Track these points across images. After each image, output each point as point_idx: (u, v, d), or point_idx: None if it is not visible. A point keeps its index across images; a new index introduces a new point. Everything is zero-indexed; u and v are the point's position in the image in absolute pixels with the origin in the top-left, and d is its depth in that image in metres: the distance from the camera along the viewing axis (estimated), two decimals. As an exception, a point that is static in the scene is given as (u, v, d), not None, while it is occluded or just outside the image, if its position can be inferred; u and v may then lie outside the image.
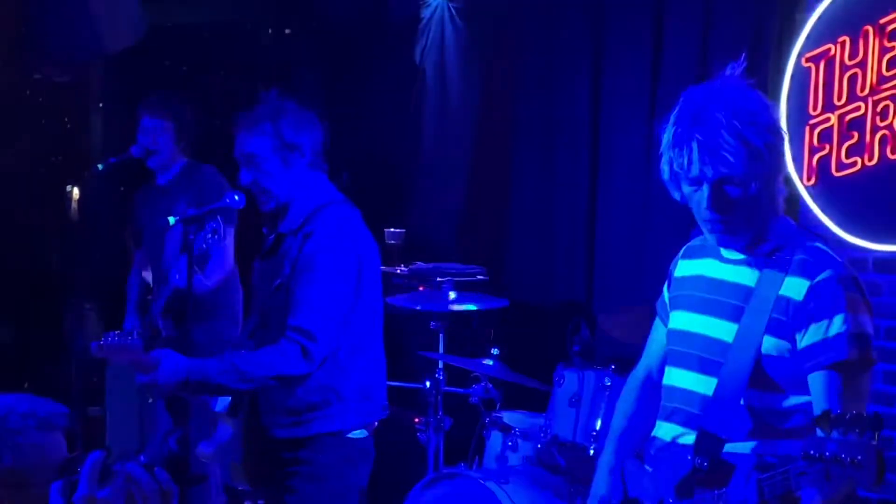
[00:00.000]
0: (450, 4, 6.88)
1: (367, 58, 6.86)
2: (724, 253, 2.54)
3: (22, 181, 5.94)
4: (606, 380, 4.15)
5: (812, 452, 1.99)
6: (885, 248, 4.57)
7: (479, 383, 4.72)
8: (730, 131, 2.32)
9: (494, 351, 4.79)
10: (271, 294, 3.31)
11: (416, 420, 4.74)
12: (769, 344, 2.38)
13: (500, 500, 4.03)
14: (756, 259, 2.47)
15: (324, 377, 3.25)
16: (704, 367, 2.48)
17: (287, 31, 6.85)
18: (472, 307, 4.88)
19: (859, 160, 4.81)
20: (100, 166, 5.05)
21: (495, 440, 4.55)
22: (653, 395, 2.77)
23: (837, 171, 4.84)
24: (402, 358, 5.30)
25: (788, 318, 2.37)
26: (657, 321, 2.80)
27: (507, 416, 4.60)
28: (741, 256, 2.50)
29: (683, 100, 2.45)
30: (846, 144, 4.81)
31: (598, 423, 4.08)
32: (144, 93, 5.15)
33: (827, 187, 4.86)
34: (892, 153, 4.71)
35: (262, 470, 3.42)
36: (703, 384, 2.48)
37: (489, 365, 4.68)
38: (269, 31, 6.76)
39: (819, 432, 2.02)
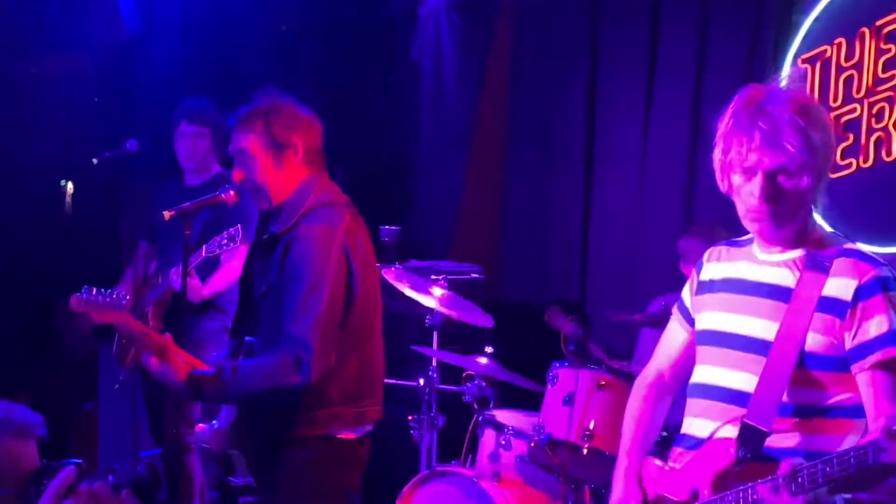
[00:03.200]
0: (447, 2, 6.88)
1: (365, 54, 6.86)
2: (760, 255, 2.59)
3: (16, 175, 5.93)
4: (600, 378, 4.16)
5: (895, 428, 2.05)
6: (880, 251, 4.58)
7: (473, 381, 4.73)
8: (792, 124, 2.41)
9: (488, 349, 4.80)
10: (261, 298, 3.29)
11: (410, 417, 4.75)
12: (813, 341, 2.43)
13: (493, 498, 4.03)
14: (794, 261, 2.53)
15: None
16: (744, 364, 2.52)
17: (283, 27, 6.84)
18: (456, 315, 4.87)
19: (854, 161, 4.82)
20: (95, 160, 5.05)
21: (488, 438, 4.55)
22: (662, 397, 2.82)
23: (832, 172, 4.85)
24: (395, 355, 5.29)
25: (835, 317, 2.43)
26: (673, 323, 2.82)
27: (501, 415, 4.60)
28: (778, 258, 2.55)
29: (741, 94, 2.52)
30: (841, 146, 4.82)
31: (592, 423, 4.08)
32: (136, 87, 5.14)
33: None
34: (888, 155, 4.72)
35: (256, 464, 3.41)
36: (742, 381, 2.52)
37: (483, 363, 4.69)
38: (266, 27, 6.75)
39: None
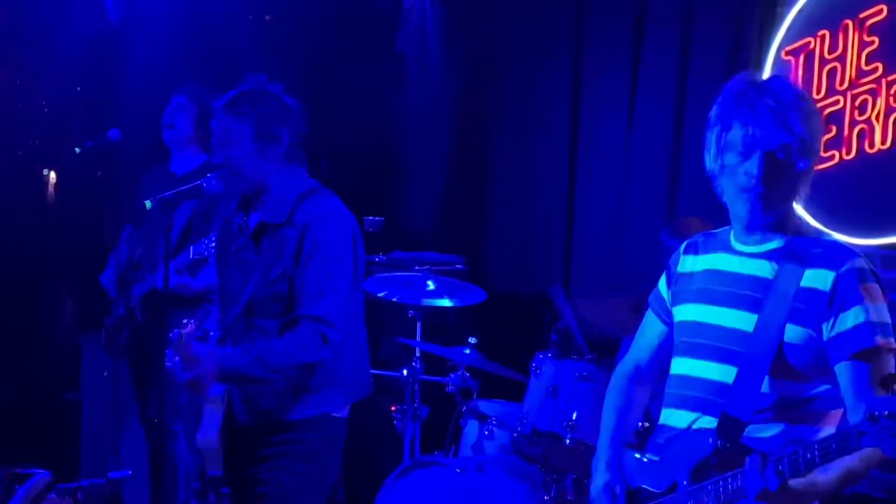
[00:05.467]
0: (431, -7, 6.87)
1: (349, 45, 6.83)
2: (738, 246, 2.60)
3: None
4: (583, 370, 4.16)
5: (876, 412, 2.05)
6: (862, 242, 4.59)
7: (457, 372, 4.73)
8: (796, 106, 2.46)
9: (472, 340, 4.80)
10: (268, 284, 3.30)
11: (393, 408, 4.75)
12: (792, 332, 2.45)
13: (476, 488, 4.04)
14: (772, 252, 2.54)
15: None
16: (722, 356, 2.54)
17: (267, 17, 6.82)
18: (447, 303, 4.89)
19: (837, 154, 4.83)
20: (77, 150, 5.03)
21: (472, 429, 4.56)
22: (640, 389, 2.84)
23: (816, 164, 4.87)
24: (379, 346, 5.29)
25: (813, 308, 2.44)
26: (650, 316, 2.83)
27: (484, 405, 4.61)
28: (757, 249, 2.56)
29: (740, 77, 2.55)
30: (824, 138, 4.82)
31: (575, 414, 4.09)
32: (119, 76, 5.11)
33: (804, 181, 4.88)
34: (870, 147, 4.73)
35: (240, 454, 3.41)
36: (721, 372, 2.53)
37: (466, 354, 4.69)
38: (250, 17, 6.72)
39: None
